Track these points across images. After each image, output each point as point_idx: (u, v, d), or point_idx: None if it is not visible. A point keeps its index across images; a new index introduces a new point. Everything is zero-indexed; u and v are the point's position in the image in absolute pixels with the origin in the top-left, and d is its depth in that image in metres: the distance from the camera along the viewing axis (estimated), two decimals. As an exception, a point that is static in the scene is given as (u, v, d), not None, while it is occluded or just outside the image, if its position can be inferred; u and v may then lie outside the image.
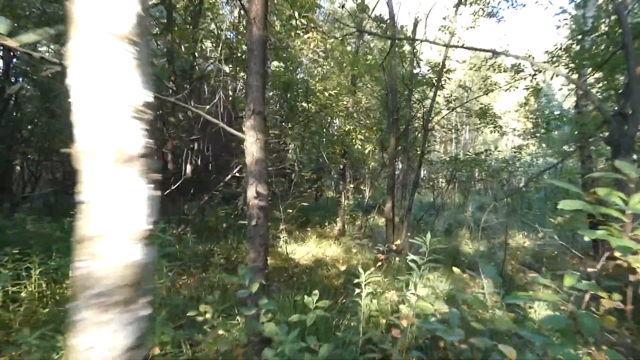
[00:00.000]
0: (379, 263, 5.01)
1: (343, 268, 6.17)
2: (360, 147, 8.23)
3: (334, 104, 6.68)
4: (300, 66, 8.66)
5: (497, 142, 26.19)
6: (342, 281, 5.58)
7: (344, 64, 6.42)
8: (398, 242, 7.00)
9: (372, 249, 7.60)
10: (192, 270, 5.23)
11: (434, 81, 7.05)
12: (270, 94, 9.20)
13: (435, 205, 11.93)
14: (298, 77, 7.65)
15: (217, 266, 5.07)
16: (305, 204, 13.04)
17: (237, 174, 5.94)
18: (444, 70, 6.48)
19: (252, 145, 2.31)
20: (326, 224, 10.18)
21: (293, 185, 7.10)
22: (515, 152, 13.53)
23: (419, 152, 7.06)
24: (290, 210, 5.91)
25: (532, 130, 17.72)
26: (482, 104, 7.19)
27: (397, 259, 6.63)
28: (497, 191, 12.85)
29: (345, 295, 4.72)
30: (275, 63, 9.09)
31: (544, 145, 14.90)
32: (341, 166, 8.44)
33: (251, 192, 2.30)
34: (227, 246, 6.55)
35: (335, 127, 8.34)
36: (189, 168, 9.92)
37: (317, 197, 17.82)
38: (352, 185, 8.72)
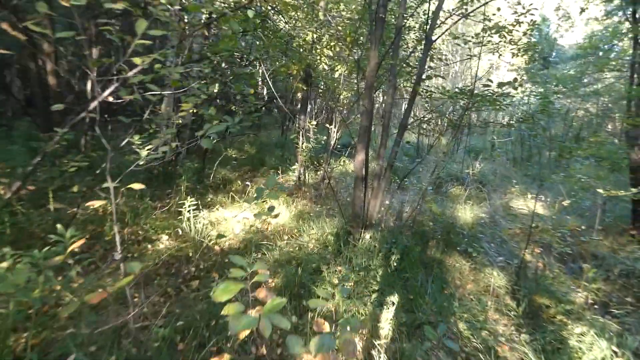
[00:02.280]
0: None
1: (286, 247, 4.02)
2: (327, 67, 5.70)
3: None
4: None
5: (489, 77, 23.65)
6: (279, 281, 3.44)
7: None
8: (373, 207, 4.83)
9: (332, 215, 5.46)
10: None
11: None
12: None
13: (418, 150, 9.76)
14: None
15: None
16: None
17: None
18: None
19: None
20: (286, 167, 7.90)
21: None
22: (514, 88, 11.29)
23: (411, 78, 4.64)
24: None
25: (526, 67, 15.29)
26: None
27: (367, 236, 4.53)
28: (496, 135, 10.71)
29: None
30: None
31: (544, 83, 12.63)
32: (299, 94, 5.93)
33: None
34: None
35: (294, 36, 5.63)
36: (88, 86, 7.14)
37: (284, 130, 15.24)
38: (314, 123, 6.31)
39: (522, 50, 5.66)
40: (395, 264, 4.05)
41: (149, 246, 3.68)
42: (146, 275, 3.24)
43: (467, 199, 6.33)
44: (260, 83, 14.10)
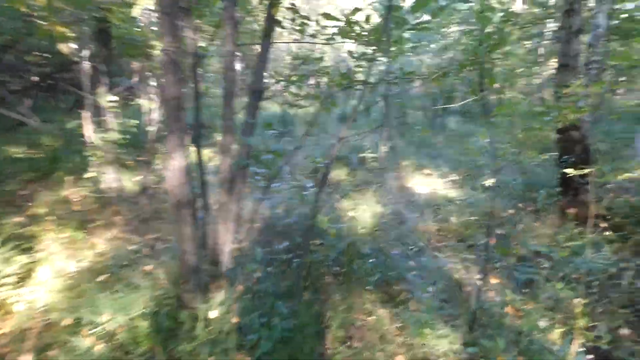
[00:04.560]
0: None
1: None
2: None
3: None
4: None
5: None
6: None
7: None
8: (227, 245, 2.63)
9: (160, 256, 3.08)
10: None
11: None
12: None
13: (285, 125, 7.83)
14: None
15: None
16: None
17: None
18: None
19: None
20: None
21: None
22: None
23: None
24: None
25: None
26: None
27: (217, 303, 2.36)
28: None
29: None
30: None
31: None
32: (68, 44, 3.16)
33: None
34: None
35: None
36: None
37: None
38: (112, 99, 3.70)
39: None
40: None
41: None
42: None
43: (358, 187, 4.66)
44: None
